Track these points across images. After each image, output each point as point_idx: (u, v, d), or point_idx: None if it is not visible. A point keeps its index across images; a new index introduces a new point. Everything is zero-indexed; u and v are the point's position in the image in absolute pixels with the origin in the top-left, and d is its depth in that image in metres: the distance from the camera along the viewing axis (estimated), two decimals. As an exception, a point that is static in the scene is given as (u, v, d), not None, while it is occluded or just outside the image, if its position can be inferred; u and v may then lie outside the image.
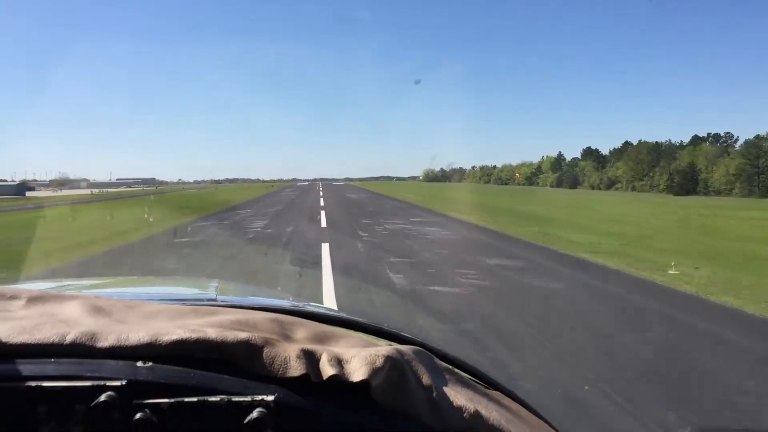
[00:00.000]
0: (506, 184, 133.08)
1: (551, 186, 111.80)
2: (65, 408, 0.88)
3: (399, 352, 1.03)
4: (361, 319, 1.41)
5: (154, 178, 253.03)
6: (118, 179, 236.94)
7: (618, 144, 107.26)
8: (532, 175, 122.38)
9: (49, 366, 0.92)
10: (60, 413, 0.88)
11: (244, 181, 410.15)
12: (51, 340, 0.95)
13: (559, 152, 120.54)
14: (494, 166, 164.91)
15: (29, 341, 0.95)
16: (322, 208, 32.65)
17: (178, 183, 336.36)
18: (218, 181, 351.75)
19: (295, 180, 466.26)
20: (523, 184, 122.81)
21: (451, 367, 1.20)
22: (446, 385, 1.08)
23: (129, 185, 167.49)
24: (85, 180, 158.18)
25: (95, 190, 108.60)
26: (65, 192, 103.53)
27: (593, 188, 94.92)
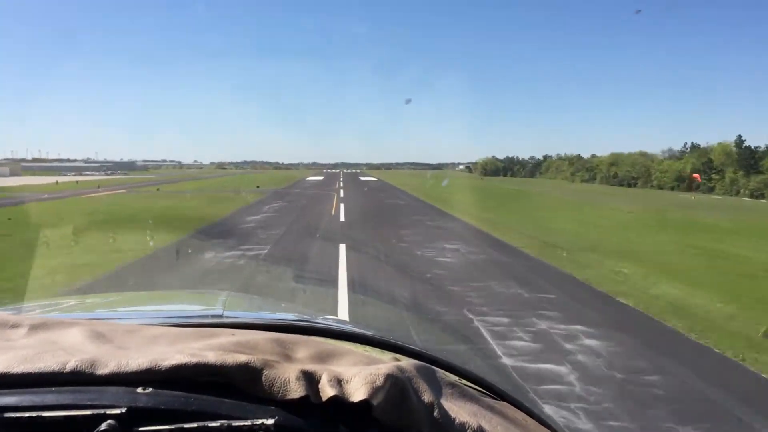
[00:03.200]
0: (631, 185, 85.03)
1: (753, 197, 61.21)
2: None
3: (400, 369, 1.02)
4: (366, 332, 1.42)
5: (134, 161, 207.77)
6: (87, 160, 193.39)
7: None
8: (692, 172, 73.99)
9: (50, 395, 0.91)
10: None
11: (255, 165, 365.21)
12: (52, 368, 0.95)
13: (739, 136, 72.32)
14: (578, 156, 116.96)
15: (30, 371, 0.95)
16: None
17: (182, 166, 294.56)
18: (223, 166, 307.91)
19: (314, 165, 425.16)
20: (672, 188, 74.89)
21: (456, 379, 1.19)
22: (449, 401, 1.07)
23: (80, 172, 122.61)
24: (9, 162, 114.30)
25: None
26: None
27: None
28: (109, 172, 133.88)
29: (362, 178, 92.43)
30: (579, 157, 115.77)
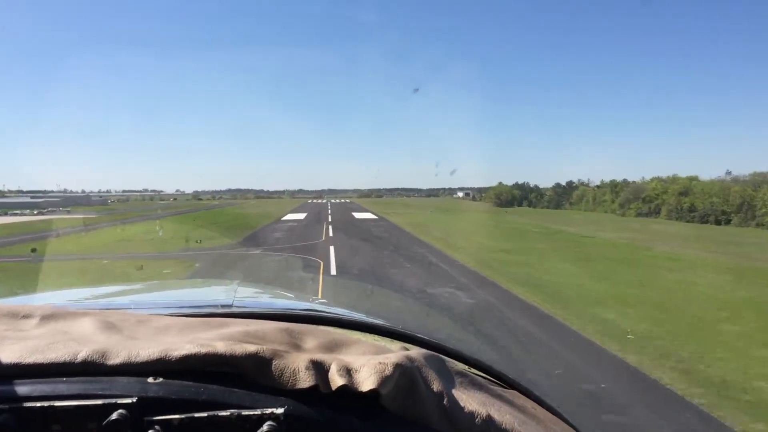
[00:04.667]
0: (720, 222, 62.82)
1: None
2: (78, 427, 0.88)
3: (409, 358, 1.01)
4: (376, 321, 1.43)
5: (90, 194, 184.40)
6: (64, 191, 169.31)
7: None
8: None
9: (61, 385, 0.91)
10: (73, 431, 0.88)
11: (236, 194, 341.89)
12: (63, 359, 0.95)
13: None
14: (615, 182, 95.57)
15: (42, 361, 0.95)
16: None
17: (153, 198, 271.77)
18: (199, 196, 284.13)
19: (300, 192, 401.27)
20: (747, 222, 52.88)
21: (465, 368, 1.19)
22: (458, 389, 1.07)
23: (6, 211, 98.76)
24: None
25: None
26: None
27: None
28: (48, 209, 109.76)
29: (358, 216, 68.96)
30: (615, 183, 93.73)
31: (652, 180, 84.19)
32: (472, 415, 1.00)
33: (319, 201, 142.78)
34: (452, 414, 0.99)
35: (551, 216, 76.91)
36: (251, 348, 0.98)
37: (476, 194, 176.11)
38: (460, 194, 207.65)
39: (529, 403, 1.22)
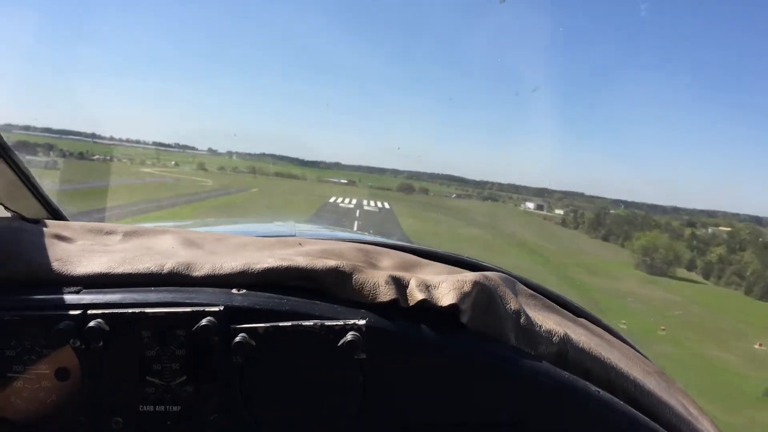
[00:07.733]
0: None
1: None
2: (167, 333, 0.94)
3: (486, 277, 1.03)
4: (440, 251, 1.43)
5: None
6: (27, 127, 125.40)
7: None
8: None
9: (151, 294, 0.97)
10: (163, 337, 0.94)
11: (265, 160, 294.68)
12: (150, 270, 1.01)
13: None
14: None
15: (130, 271, 1.01)
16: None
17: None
18: (204, 166, 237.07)
19: (336, 167, 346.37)
20: None
21: (535, 293, 1.21)
22: (533, 310, 1.09)
23: None
24: None
25: None
26: None
27: None
28: None
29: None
30: None
31: None
32: (549, 333, 1.01)
33: (347, 205, 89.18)
34: (529, 332, 1.00)
35: None
36: (331, 263, 1.00)
37: (546, 204, 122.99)
38: (531, 205, 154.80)
39: (598, 330, 1.23)
